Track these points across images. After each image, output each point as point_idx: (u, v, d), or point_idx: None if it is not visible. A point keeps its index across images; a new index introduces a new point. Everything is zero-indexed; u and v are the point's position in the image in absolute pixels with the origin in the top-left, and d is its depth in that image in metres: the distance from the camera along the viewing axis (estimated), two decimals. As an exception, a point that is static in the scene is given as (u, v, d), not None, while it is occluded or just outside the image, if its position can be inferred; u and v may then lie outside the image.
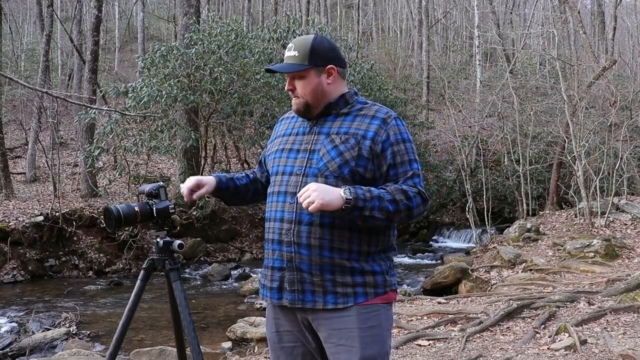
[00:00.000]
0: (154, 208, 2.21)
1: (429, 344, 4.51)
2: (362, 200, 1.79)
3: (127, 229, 10.66)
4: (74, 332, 6.82)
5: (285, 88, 2.02)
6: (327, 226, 1.88)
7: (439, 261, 11.70)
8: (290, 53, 1.98)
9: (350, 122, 1.98)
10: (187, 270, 11.12)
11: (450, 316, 5.20)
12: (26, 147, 18.39)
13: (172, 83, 11.12)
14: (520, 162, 13.23)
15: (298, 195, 1.81)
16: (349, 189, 1.79)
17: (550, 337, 4.40)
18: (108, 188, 13.37)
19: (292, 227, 1.91)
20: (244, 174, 2.28)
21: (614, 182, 10.69)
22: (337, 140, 1.93)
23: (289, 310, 1.97)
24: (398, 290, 2.18)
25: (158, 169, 16.51)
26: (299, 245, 1.90)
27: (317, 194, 1.75)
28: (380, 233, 1.95)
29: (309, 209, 1.76)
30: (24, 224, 10.54)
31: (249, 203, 2.36)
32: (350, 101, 2.02)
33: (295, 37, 14.66)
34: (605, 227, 9.73)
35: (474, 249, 11.20)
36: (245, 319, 6.42)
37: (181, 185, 2.16)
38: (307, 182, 1.89)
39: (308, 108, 1.99)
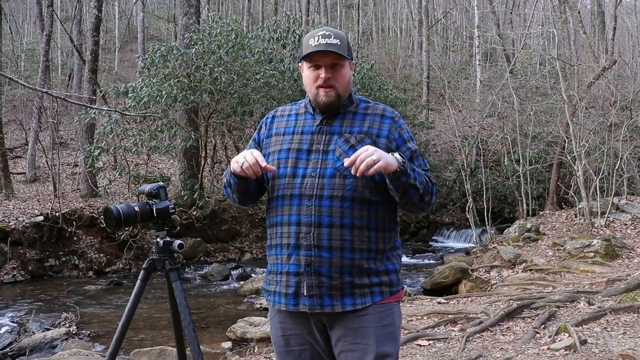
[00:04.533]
0: (154, 208, 2.21)
1: (429, 344, 4.51)
2: (409, 168, 1.82)
3: (127, 229, 10.66)
4: (74, 332, 6.83)
5: (322, 76, 1.90)
6: (348, 227, 1.86)
7: (439, 261, 11.70)
8: (330, 40, 1.88)
9: (360, 121, 1.96)
10: (187, 270, 11.12)
11: (450, 316, 5.20)
12: (26, 147, 18.39)
13: (172, 83, 11.12)
14: (520, 162, 13.22)
15: (356, 154, 1.73)
16: (399, 153, 1.83)
17: (550, 337, 4.40)
18: (108, 188, 13.37)
19: (311, 230, 1.86)
20: None
21: (614, 182, 10.69)
22: (353, 139, 1.91)
23: (301, 314, 1.93)
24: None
25: (158, 169, 16.50)
26: (319, 249, 1.86)
27: (379, 154, 1.73)
28: (391, 230, 1.97)
29: (372, 169, 1.71)
30: (24, 224, 10.54)
31: (248, 201, 2.09)
32: (354, 100, 2.01)
33: (295, 37, 14.60)
34: (605, 227, 9.73)
35: (474, 249, 11.20)
36: (245, 319, 6.42)
37: (245, 157, 1.85)
38: (323, 184, 1.87)
39: (339, 100, 1.94)
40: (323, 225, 1.86)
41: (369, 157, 1.72)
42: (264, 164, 1.84)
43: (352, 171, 1.75)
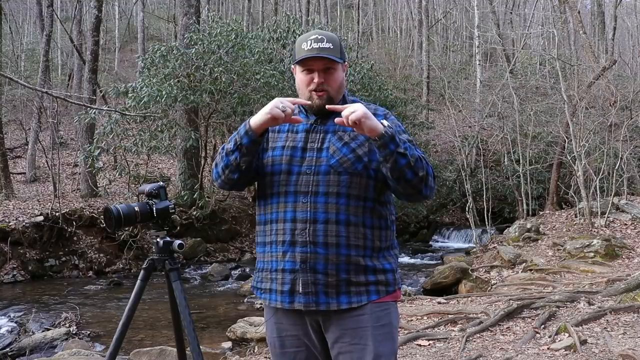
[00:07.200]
0: (154, 208, 2.21)
1: (429, 344, 4.51)
2: (398, 137, 1.80)
3: (127, 229, 10.66)
4: (74, 332, 6.82)
5: (315, 80, 1.91)
6: (343, 223, 1.87)
7: (439, 261, 11.70)
8: (323, 45, 1.89)
9: None
10: (187, 270, 11.11)
11: (450, 316, 5.20)
12: (26, 147, 18.39)
13: (172, 83, 11.12)
14: (520, 162, 13.23)
15: (344, 108, 1.78)
16: (388, 124, 1.81)
17: (550, 337, 4.40)
18: (108, 188, 13.36)
19: (307, 227, 1.87)
20: None
21: (614, 182, 10.69)
22: (346, 137, 1.92)
23: (297, 313, 1.93)
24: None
25: (158, 169, 16.51)
26: (315, 245, 1.87)
27: (365, 111, 1.75)
28: (387, 228, 1.97)
29: (352, 116, 1.74)
30: (24, 224, 10.53)
31: (241, 183, 2.01)
32: (347, 101, 2.01)
33: (295, 37, 14.60)
34: (605, 227, 9.73)
35: (474, 249, 11.20)
36: (245, 319, 6.41)
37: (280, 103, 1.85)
38: (318, 181, 1.88)
39: (331, 103, 1.94)
40: (319, 222, 1.87)
41: (352, 112, 1.75)
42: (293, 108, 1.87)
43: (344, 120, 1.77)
